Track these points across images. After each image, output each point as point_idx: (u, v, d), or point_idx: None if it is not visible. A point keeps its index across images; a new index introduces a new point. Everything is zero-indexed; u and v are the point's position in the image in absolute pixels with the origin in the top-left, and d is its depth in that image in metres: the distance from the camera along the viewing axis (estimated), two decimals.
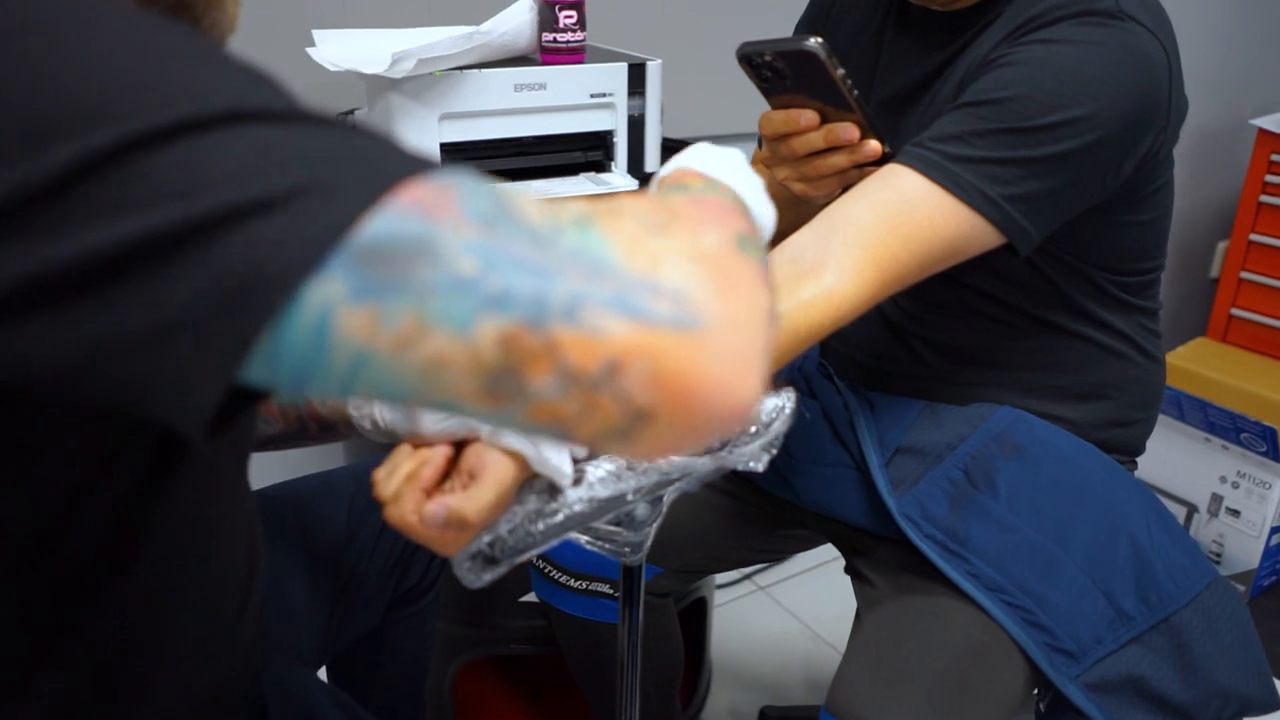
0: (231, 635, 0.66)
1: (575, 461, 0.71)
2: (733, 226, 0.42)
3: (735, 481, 1.07)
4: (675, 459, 0.74)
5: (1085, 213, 0.86)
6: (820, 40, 0.80)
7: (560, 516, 0.71)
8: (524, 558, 0.71)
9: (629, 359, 0.36)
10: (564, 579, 1.09)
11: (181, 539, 0.58)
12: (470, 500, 0.63)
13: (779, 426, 0.79)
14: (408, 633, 1.06)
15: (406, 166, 0.38)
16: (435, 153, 1.24)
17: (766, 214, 0.63)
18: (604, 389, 0.36)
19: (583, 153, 1.35)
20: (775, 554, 1.17)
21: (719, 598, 1.85)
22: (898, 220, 0.78)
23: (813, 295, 0.76)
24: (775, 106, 0.88)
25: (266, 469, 1.13)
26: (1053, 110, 0.78)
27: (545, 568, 1.11)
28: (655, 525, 0.85)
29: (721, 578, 1.88)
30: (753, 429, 0.78)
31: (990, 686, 0.83)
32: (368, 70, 1.18)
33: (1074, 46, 0.79)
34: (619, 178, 1.35)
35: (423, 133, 1.23)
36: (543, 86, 1.28)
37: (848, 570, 1.01)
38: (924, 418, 0.96)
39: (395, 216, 0.36)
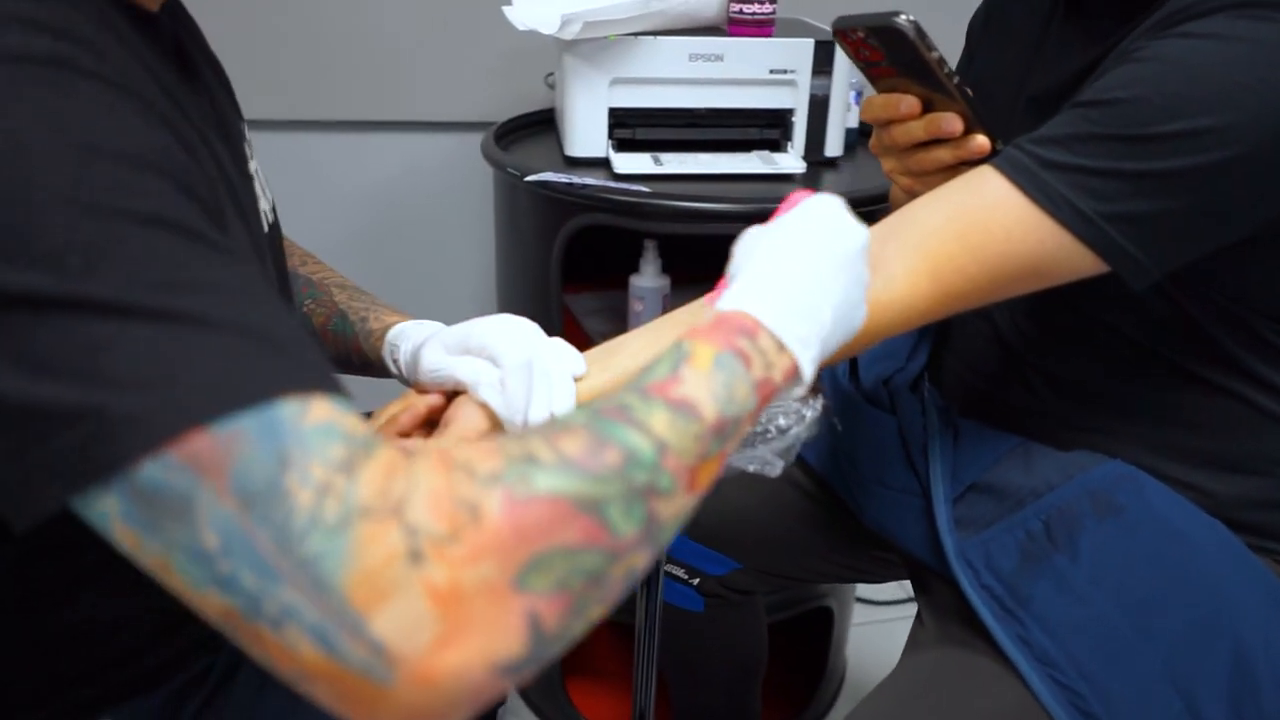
0: None
1: None
2: (531, 549, 0.40)
3: (820, 487, 1.00)
4: None
5: (1241, 247, 0.71)
6: (910, 17, 0.72)
7: None
8: None
9: (317, 679, 0.40)
10: None
11: None
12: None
13: (799, 432, 0.73)
14: None
15: (220, 394, 0.40)
16: (604, 117, 1.25)
17: (855, 319, 0.61)
18: (301, 685, 0.41)
19: (758, 130, 1.31)
20: (867, 575, 1.09)
21: (875, 614, 1.76)
22: (968, 226, 0.69)
23: None
24: (880, 90, 0.80)
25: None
26: (1173, 117, 0.65)
27: None
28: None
29: (879, 593, 1.78)
30: (769, 431, 0.73)
31: None
32: (544, 31, 1.21)
33: (1220, 43, 0.65)
34: (792, 160, 1.30)
35: (593, 97, 1.25)
36: (719, 58, 1.26)
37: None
38: (1013, 456, 0.84)
39: (169, 467, 0.39)
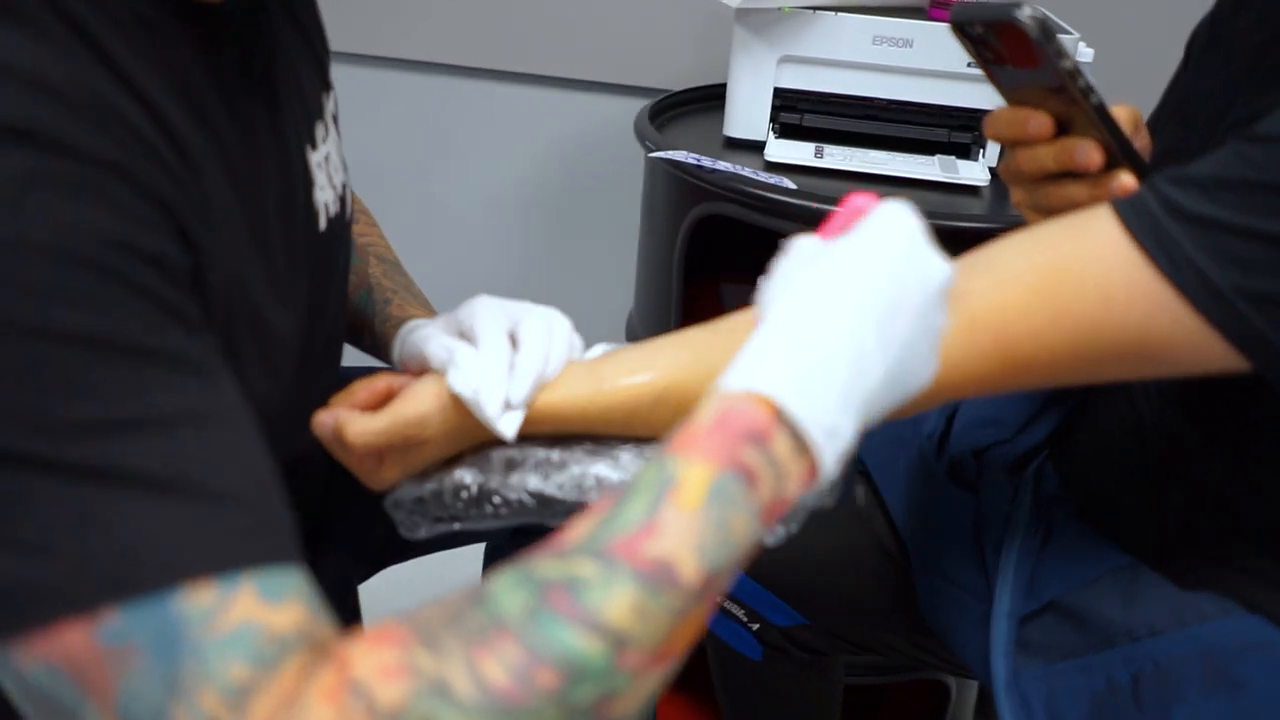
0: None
1: (559, 444, 0.62)
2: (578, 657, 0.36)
3: (904, 551, 0.84)
4: None
5: None
6: (1033, 12, 0.55)
7: (493, 501, 0.63)
8: (454, 527, 0.65)
9: None
10: None
11: None
12: (357, 420, 0.59)
13: (807, 499, 0.60)
14: None
15: (117, 579, 0.36)
16: (768, 98, 1.13)
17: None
18: None
19: (947, 131, 1.14)
20: (956, 669, 0.91)
21: None
22: (1057, 278, 0.53)
23: None
24: (1010, 102, 0.64)
25: None
26: None
27: None
28: None
29: None
30: None
31: None
32: None
33: None
34: (977, 169, 1.11)
35: (758, 74, 1.13)
36: (908, 44, 1.09)
37: None
38: (1115, 579, 0.66)
39: (52, 670, 0.36)
